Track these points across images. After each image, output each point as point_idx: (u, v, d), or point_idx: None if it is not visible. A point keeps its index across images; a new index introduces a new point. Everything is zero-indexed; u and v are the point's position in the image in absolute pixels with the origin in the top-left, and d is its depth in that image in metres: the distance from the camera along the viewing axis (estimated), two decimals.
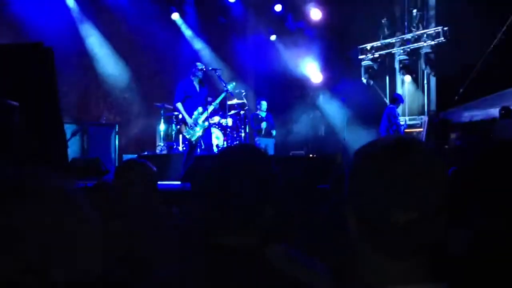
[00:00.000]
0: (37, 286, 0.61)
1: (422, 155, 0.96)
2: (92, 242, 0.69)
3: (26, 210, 0.64)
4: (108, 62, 11.25)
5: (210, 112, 8.05)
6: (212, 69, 8.20)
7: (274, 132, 10.38)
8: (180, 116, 7.87)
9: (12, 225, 0.62)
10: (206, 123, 7.80)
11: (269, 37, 13.74)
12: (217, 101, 8.10)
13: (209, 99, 8.18)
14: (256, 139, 10.25)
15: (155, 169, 2.28)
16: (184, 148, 8.68)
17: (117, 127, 9.21)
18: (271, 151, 10.14)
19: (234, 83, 8.38)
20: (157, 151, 10.23)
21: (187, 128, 7.62)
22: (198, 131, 7.65)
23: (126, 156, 9.50)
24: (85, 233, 0.68)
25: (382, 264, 0.97)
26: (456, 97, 11.39)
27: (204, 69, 7.84)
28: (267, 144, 10.16)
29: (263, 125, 10.24)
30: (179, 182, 7.17)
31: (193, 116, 7.66)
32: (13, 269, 0.61)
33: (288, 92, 13.55)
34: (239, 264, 1.25)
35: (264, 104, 10.31)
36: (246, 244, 1.28)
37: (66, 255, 0.64)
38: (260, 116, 10.28)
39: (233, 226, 1.29)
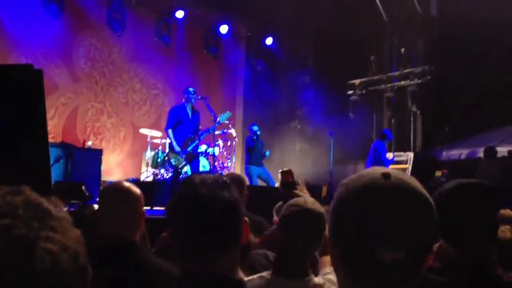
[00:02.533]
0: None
1: (414, 193, 0.92)
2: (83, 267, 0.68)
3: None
4: (96, 87, 11.26)
5: (198, 142, 8.01)
6: (202, 97, 8.23)
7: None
8: (169, 142, 7.84)
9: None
10: (194, 155, 7.75)
11: (258, 68, 13.88)
12: (210, 131, 7.95)
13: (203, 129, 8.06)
14: (246, 166, 10.04)
15: (139, 191, 2.24)
16: (170, 175, 8.62)
17: (102, 152, 9.13)
18: (272, 181, 9.84)
19: (228, 113, 8.28)
20: (142, 177, 10.16)
21: (175, 155, 7.59)
22: (183, 160, 7.60)
23: (111, 182, 9.41)
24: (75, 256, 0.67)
25: None
26: (442, 136, 11.53)
27: (195, 94, 7.82)
28: (261, 173, 9.95)
29: (267, 153, 10.01)
30: (163, 208, 7.11)
31: (183, 145, 7.62)
32: None
33: (276, 123, 13.63)
34: None
35: (255, 128, 10.12)
36: (215, 271, 1.28)
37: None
38: (255, 142, 10.01)
39: (200, 254, 1.29)
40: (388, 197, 0.91)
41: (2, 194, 0.66)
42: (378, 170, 0.96)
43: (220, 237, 1.29)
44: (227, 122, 9.58)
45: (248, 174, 9.72)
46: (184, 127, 7.68)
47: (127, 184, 2.27)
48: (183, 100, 7.84)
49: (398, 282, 0.91)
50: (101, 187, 8.70)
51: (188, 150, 7.63)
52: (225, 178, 1.37)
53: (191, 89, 7.85)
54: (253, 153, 9.92)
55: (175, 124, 7.67)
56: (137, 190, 2.23)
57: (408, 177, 0.96)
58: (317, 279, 1.91)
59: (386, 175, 0.93)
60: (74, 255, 0.66)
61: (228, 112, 8.31)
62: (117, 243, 2.09)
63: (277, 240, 2.00)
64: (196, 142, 7.71)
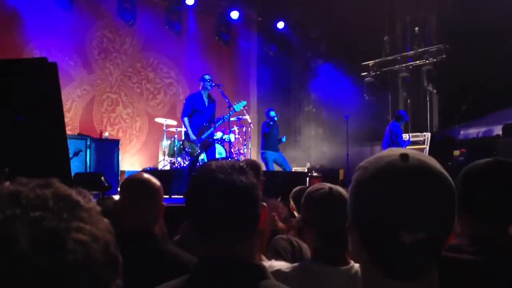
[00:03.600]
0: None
1: (433, 174, 0.92)
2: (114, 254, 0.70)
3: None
4: (111, 77, 11.33)
5: (214, 130, 8.02)
6: (216, 84, 8.22)
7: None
8: (184, 130, 7.87)
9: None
10: (209, 142, 7.76)
11: (271, 52, 13.83)
12: (225, 120, 7.94)
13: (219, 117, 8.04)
14: (262, 151, 10.07)
15: (159, 183, 2.26)
16: (187, 163, 8.67)
17: (119, 142, 9.22)
18: (288, 167, 9.87)
19: (244, 102, 8.26)
20: (159, 166, 10.23)
21: (190, 143, 7.61)
22: (198, 148, 7.62)
23: (129, 172, 9.51)
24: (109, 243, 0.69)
25: (388, 286, 0.93)
26: (459, 114, 11.40)
27: (212, 81, 7.80)
28: (276, 157, 9.95)
29: (284, 139, 10.05)
30: (181, 197, 7.18)
31: (198, 133, 7.63)
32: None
33: (291, 108, 13.59)
34: (228, 274, 1.27)
35: (272, 113, 10.13)
36: (234, 255, 1.29)
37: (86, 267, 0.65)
38: (271, 127, 9.99)
39: (219, 238, 1.30)
40: (407, 178, 0.90)
41: (31, 187, 0.67)
42: (396, 151, 0.95)
43: (238, 222, 1.30)
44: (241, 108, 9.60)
45: (264, 159, 9.73)
46: (200, 115, 7.67)
47: (147, 176, 2.29)
48: (200, 88, 7.83)
49: (419, 263, 0.91)
50: (119, 177, 8.81)
51: (203, 137, 7.63)
52: (242, 163, 1.37)
53: (207, 76, 7.82)
54: (269, 138, 9.92)
55: (191, 113, 7.67)
56: (156, 182, 2.25)
57: (427, 157, 0.95)
58: (357, 266, 1.86)
59: (405, 156, 0.92)
60: (104, 245, 0.67)
61: (243, 101, 8.28)
62: (136, 234, 2.12)
63: (311, 222, 1.96)
64: (212, 130, 7.71)
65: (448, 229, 0.92)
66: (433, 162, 0.94)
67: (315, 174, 10.84)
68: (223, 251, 1.29)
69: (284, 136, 10.15)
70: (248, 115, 10.24)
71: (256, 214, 1.34)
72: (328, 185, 1.98)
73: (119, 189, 2.36)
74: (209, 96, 7.78)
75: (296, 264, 1.97)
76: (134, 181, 2.31)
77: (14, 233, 0.61)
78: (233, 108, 7.99)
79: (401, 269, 0.91)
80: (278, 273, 1.87)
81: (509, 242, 1.62)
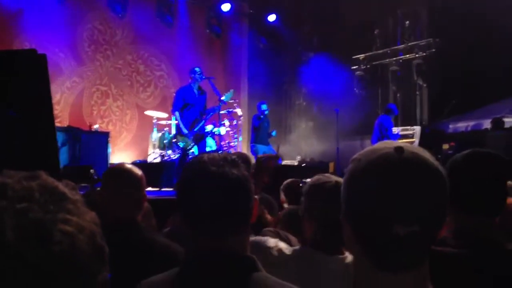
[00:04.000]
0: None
1: (427, 167, 0.92)
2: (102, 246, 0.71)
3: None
4: (101, 70, 11.26)
5: (205, 122, 8.01)
6: (206, 77, 8.19)
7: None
8: (176, 124, 7.85)
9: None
10: (201, 135, 7.74)
11: (261, 45, 13.81)
12: (216, 110, 7.93)
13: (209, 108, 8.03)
14: (252, 145, 10.11)
15: (141, 173, 2.26)
16: (177, 156, 8.65)
17: (109, 135, 9.18)
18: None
19: (231, 91, 8.25)
20: (149, 159, 10.21)
21: (183, 137, 7.59)
22: (191, 142, 7.61)
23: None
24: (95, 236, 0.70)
25: (380, 277, 0.94)
26: (448, 108, 11.46)
27: (202, 74, 7.79)
28: (266, 151, 9.94)
29: (274, 133, 10.11)
30: (171, 189, 7.17)
31: (190, 126, 7.61)
32: None
33: (282, 101, 13.60)
34: (220, 268, 1.27)
35: (264, 106, 10.18)
36: (226, 249, 1.29)
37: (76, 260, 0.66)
38: (262, 120, 10.08)
39: (211, 232, 1.30)
40: (401, 171, 0.90)
41: (18, 179, 0.68)
42: (390, 144, 0.96)
43: (230, 215, 1.30)
44: (232, 101, 9.58)
45: (254, 152, 9.75)
46: (192, 109, 7.66)
47: (128, 165, 2.31)
48: (190, 80, 7.81)
49: (413, 255, 0.92)
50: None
51: (195, 130, 7.62)
52: (233, 156, 1.37)
53: (197, 69, 7.81)
54: (259, 132, 9.95)
55: (182, 106, 7.65)
56: (138, 171, 2.26)
57: (421, 150, 0.96)
58: (350, 257, 1.91)
59: (399, 149, 0.92)
60: (90, 236, 0.67)
61: (231, 90, 8.26)
62: (120, 223, 2.12)
63: (313, 213, 1.99)
64: (203, 122, 7.70)
65: (441, 222, 0.93)
66: (427, 155, 0.94)
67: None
68: (214, 244, 1.29)
69: (274, 131, 10.17)
70: (239, 108, 10.24)
71: (249, 207, 1.33)
72: (334, 177, 2.03)
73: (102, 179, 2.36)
74: (199, 88, 7.77)
75: (296, 247, 2.02)
76: (116, 171, 2.32)
77: (0, 224, 0.61)
78: (223, 99, 7.97)
79: (394, 261, 0.92)
80: (280, 252, 1.93)
81: (494, 234, 1.63)
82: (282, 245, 2.01)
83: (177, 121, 7.76)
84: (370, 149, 0.99)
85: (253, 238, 1.96)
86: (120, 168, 2.30)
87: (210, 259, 1.28)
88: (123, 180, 2.21)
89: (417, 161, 0.92)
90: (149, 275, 1.39)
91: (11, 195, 0.65)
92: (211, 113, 7.86)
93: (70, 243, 0.63)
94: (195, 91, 7.71)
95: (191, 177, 1.35)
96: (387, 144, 0.97)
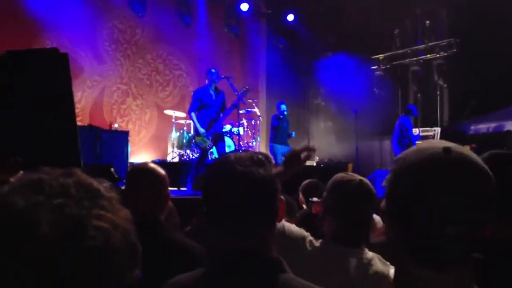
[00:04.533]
0: None
1: (476, 167, 0.93)
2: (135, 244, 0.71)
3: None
4: (121, 69, 11.35)
5: (222, 121, 8.01)
6: (225, 77, 8.19)
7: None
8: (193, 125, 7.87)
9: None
10: (219, 136, 7.74)
11: (280, 45, 13.80)
12: (233, 107, 7.90)
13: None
14: (270, 144, 10.11)
15: (164, 172, 2.27)
16: (196, 156, 8.68)
17: (129, 134, 9.25)
18: None
19: (246, 88, 8.18)
20: (168, 158, 10.26)
21: (201, 137, 7.60)
22: (210, 141, 7.62)
23: (138, 164, 9.54)
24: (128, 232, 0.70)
25: (423, 276, 0.94)
26: (469, 109, 11.32)
27: (219, 74, 7.79)
28: (284, 151, 9.96)
29: (293, 134, 10.12)
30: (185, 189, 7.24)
31: (207, 127, 7.62)
32: None
33: (300, 101, 13.55)
34: (248, 268, 1.26)
35: (283, 107, 10.17)
36: (253, 248, 1.28)
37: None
38: (281, 120, 10.08)
39: (238, 231, 1.29)
40: (452, 170, 0.91)
41: (55, 176, 0.69)
42: (437, 143, 0.97)
43: (256, 215, 1.29)
44: (250, 101, 9.60)
45: (273, 152, 9.75)
46: (209, 109, 7.66)
47: (152, 165, 2.32)
48: (206, 82, 7.83)
49: (460, 256, 0.92)
50: (128, 169, 8.84)
51: (213, 131, 7.62)
52: (260, 156, 1.36)
53: (213, 70, 7.83)
54: (278, 131, 9.95)
55: (199, 107, 7.65)
56: (162, 171, 2.27)
57: (467, 151, 0.97)
58: (370, 253, 1.97)
59: (447, 149, 0.93)
60: (124, 233, 0.68)
61: (245, 88, 8.16)
62: (143, 222, 2.13)
63: (335, 209, 2.01)
64: (220, 121, 7.68)
65: (486, 222, 0.93)
66: (474, 156, 0.95)
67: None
68: (240, 244, 1.28)
69: (293, 132, 10.17)
70: (257, 108, 10.24)
71: (275, 206, 1.32)
72: (358, 177, 2.06)
73: (125, 178, 2.38)
74: (215, 89, 7.76)
75: (319, 241, 2.05)
76: (140, 170, 2.33)
77: (37, 219, 0.63)
78: (239, 95, 7.92)
79: (441, 260, 0.92)
80: (311, 244, 1.99)
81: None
82: (309, 236, 2.05)
83: (193, 122, 7.77)
84: (415, 148, 1.00)
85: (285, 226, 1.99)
86: (144, 167, 2.32)
87: (236, 259, 1.27)
88: (147, 179, 2.22)
89: (465, 161, 0.93)
90: (170, 273, 1.40)
91: (48, 191, 0.66)
92: (230, 111, 7.84)
93: (104, 239, 0.65)
94: (212, 92, 7.71)
95: (218, 176, 1.34)
96: (434, 144, 0.97)
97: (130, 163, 8.75)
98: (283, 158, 2.05)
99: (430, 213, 0.90)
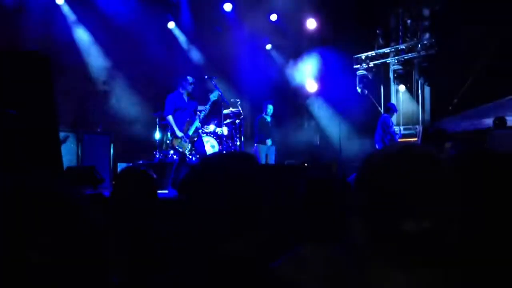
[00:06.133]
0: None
1: (434, 164, 0.92)
2: (101, 249, 0.70)
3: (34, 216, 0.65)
4: (104, 70, 11.26)
5: (203, 120, 7.97)
6: (208, 77, 8.18)
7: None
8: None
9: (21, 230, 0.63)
10: (196, 135, 7.70)
11: (265, 46, 13.82)
12: (206, 111, 7.81)
13: (200, 109, 7.93)
14: (255, 145, 10.11)
15: (155, 176, 2.28)
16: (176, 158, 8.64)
17: (112, 135, 9.19)
18: (272, 160, 10.03)
19: (216, 92, 8.09)
20: (152, 160, 10.21)
21: (179, 140, 7.55)
22: (188, 144, 7.58)
23: (121, 165, 9.48)
24: (94, 240, 0.69)
25: (391, 276, 0.92)
26: (450, 107, 11.46)
27: (194, 83, 7.70)
28: (268, 152, 10.02)
29: (269, 141, 10.08)
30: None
31: (184, 128, 7.58)
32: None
33: (283, 101, 13.58)
34: (238, 272, 1.24)
35: (270, 107, 10.18)
36: (242, 251, 1.26)
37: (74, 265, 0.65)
38: (266, 121, 10.12)
39: (226, 233, 1.26)
40: (408, 166, 0.91)
41: None
42: (400, 144, 0.98)
43: (244, 214, 1.27)
44: (232, 100, 9.59)
45: (257, 152, 9.77)
46: (184, 112, 7.62)
47: (141, 168, 2.32)
48: (178, 87, 7.72)
49: (423, 253, 0.90)
50: (111, 171, 8.79)
51: (190, 134, 7.57)
52: (244, 155, 1.35)
53: (190, 78, 7.69)
54: (262, 131, 9.97)
55: (174, 110, 7.60)
56: (151, 174, 2.27)
57: (429, 148, 0.97)
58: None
59: (408, 148, 0.94)
60: None
61: (215, 91, 8.07)
62: (132, 225, 2.14)
63: None
64: (196, 124, 7.63)
65: (453, 219, 0.91)
66: (436, 153, 0.95)
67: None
68: (228, 245, 1.26)
69: (270, 140, 10.06)
70: (241, 108, 10.24)
71: (261, 205, 1.30)
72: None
73: (113, 181, 2.37)
74: (188, 95, 7.69)
75: None
76: (129, 172, 2.33)
77: None
78: (210, 98, 7.88)
79: (405, 259, 0.90)
80: None
81: None
82: None
83: (170, 124, 7.70)
84: (380, 150, 1.00)
85: None
86: (133, 170, 2.32)
87: (223, 262, 1.25)
88: (136, 182, 2.22)
89: (425, 158, 0.93)
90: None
91: None
92: (203, 113, 7.74)
93: None
94: (185, 97, 7.64)
95: (203, 176, 1.32)
96: (398, 144, 1.00)
97: (114, 165, 8.70)
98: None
99: (389, 209, 0.89)
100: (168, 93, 7.85)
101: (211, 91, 8.01)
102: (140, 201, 2.18)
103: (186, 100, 7.65)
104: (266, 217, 1.32)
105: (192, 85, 7.63)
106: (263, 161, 9.71)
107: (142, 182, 2.22)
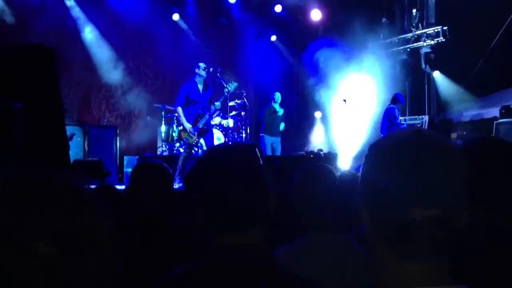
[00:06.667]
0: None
1: (444, 149, 0.89)
2: (107, 242, 0.70)
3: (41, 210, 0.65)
4: (109, 63, 11.26)
5: (211, 114, 7.98)
6: (214, 69, 8.16)
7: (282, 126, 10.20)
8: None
9: (26, 224, 0.63)
10: (205, 128, 7.71)
11: (269, 37, 13.77)
12: (218, 104, 7.82)
13: (217, 107, 7.92)
14: (261, 135, 10.10)
15: (170, 170, 2.29)
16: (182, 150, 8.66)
17: (118, 129, 9.21)
18: (278, 151, 10.01)
19: (235, 84, 8.17)
20: (158, 152, 10.23)
21: (187, 133, 7.56)
22: (196, 137, 7.58)
23: (127, 158, 9.51)
24: (101, 233, 0.69)
25: (399, 266, 0.90)
26: (457, 97, 11.40)
27: (207, 69, 7.73)
28: (273, 142, 10.00)
29: (282, 126, 10.08)
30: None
31: (194, 121, 7.57)
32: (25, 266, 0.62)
33: (288, 93, 13.55)
34: (244, 262, 1.24)
35: (278, 95, 10.13)
36: (248, 243, 1.26)
37: (80, 255, 0.65)
38: (275, 109, 10.09)
39: (233, 225, 1.26)
40: (418, 152, 0.88)
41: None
42: (409, 130, 0.94)
43: (251, 206, 1.26)
44: (239, 92, 9.58)
45: (263, 143, 9.78)
46: (196, 105, 7.61)
47: (158, 161, 2.33)
48: (193, 76, 7.74)
49: (432, 242, 0.87)
50: (117, 164, 8.81)
51: (199, 126, 7.58)
52: (249, 147, 1.34)
53: (202, 64, 7.73)
54: (268, 122, 9.95)
55: (186, 103, 7.59)
56: (167, 167, 2.29)
57: (439, 134, 0.93)
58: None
59: (417, 132, 0.90)
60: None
61: (235, 83, 8.13)
62: (150, 218, 2.15)
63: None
64: (207, 118, 7.64)
65: (462, 206, 0.89)
66: (446, 139, 0.92)
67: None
68: (235, 237, 1.25)
69: (283, 123, 10.13)
70: (247, 99, 10.23)
71: (267, 198, 1.30)
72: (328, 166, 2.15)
73: (131, 174, 2.36)
74: (204, 83, 7.70)
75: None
76: (146, 166, 2.34)
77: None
78: (228, 90, 7.92)
79: (414, 249, 0.88)
80: None
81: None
82: None
83: (179, 116, 7.70)
84: (387, 135, 0.98)
85: None
86: (150, 163, 2.32)
87: (232, 253, 1.24)
88: (153, 176, 2.23)
89: (435, 143, 0.89)
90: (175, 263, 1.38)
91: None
92: (214, 108, 7.73)
93: None
94: (199, 86, 7.65)
95: (209, 169, 1.30)
96: (405, 130, 0.95)
97: (120, 158, 8.72)
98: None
99: (398, 198, 0.86)
100: (182, 84, 7.85)
101: (225, 83, 8.02)
102: (157, 193, 2.19)
103: (200, 90, 7.63)
104: (272, 209, 1.32)
105: (206, 70, 7.63)
106: (269, 152, 9.71)
107: (160, 175, 2.22)
